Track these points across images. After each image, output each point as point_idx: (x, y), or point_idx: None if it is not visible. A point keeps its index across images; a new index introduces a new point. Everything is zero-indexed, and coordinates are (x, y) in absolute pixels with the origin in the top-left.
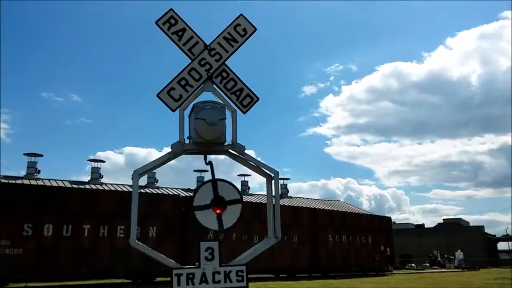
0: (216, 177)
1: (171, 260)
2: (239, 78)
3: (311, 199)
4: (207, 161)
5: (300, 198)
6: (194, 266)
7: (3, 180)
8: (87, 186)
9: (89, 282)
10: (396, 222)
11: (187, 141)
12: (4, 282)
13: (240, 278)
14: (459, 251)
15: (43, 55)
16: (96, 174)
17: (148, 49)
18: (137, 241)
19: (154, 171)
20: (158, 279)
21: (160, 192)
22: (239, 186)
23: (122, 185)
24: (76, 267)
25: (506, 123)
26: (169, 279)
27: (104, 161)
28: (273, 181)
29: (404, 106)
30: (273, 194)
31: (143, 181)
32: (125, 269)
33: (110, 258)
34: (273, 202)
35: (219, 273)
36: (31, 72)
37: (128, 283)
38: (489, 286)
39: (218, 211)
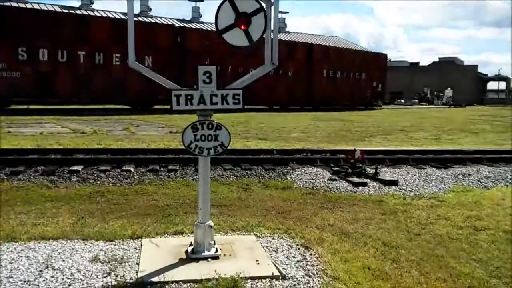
0: None
1: (170, 82)
2: None
3: (308, 34)
4: None
5: (297, 33)
6: (192, 88)
7: None
8: (79, 12)
9: (88, 107)
10: (392, 60)
11: None
12: (6, 103)
13: (236, 101)
14: (448, 88)
15: None
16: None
17: None
18: (136, 62)
19: None
20: (156, 106)
21: (154, 21)
22: None
23: (115, 12)
24: (74, 92)
25: None
26: (166, 107)
27: None
28: (272, 7)
29: None
30: (272, 20)
31: (136, 9)
32: (124, 96)
33: (107, 85)
34: (272, 28)
35: (216, 95)
36: None
37: (127, 109)
38: (470, 122)
39: (244, 28)
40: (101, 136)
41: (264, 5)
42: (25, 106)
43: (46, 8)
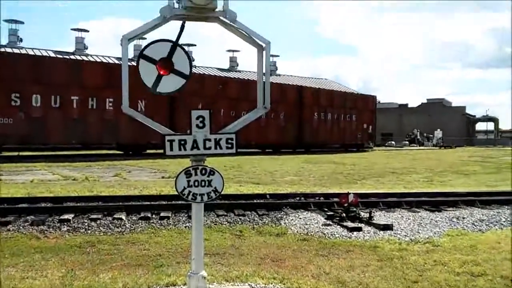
0: (180, 43)
1: (163, 127)
2: None
3: (298, 77)
4: (182, 25)
5: (288, 76)
6: (185, 133)
7: None
8: (73, 57)
9: (80, 152)
10: (381, 102)
11: (176, 6)
12: None
13: (230, 146)
14: (438, 130)
15: None
16: (80, 45)
17: None
18: (129, 107)
19: (140, 43)
20: (148, 151)
21: None
22: (227, 62)
23: (108, 57)
24: (66, 138)
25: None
26: (158, 151)
27: (88, 31)
28: (264, 52)
29: None
30: (264, 65)
31: (130, 53)
32: (115, 141)
33: (100, 130)
34: (264, 72)
35: (210, 140)
36: None
37: (119, 154)
38: (461, 163)
39: (161, 72)
40: (93, 183)
41: (189, 75)
42: (16, 153)
43: (40, 54)
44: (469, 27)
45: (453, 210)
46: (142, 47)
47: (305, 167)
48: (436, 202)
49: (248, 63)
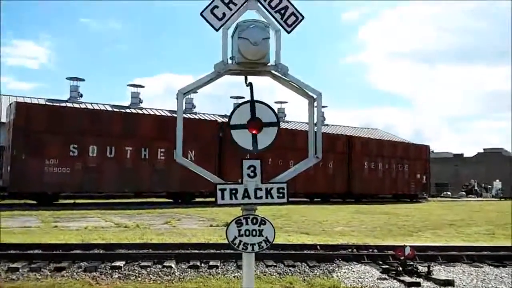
0: (256, 99)
1: (215, 176)
2: None
3: (347, 126)
4: (247, 83)
5: (337, 125)
6: (236, 182)
7: (48, 103)
8: (128, 110)
9: (132, 200)
10: (435, 151)
11: (230, 62)
12: (54, 198)
13: (281, 195)
14: (497, 180)
15: None
16: (136, 99)
17: None
18: (182, 157)
19: (192, 96)
20: (197, 199)
21: (197, 117)
22: None
23: (161, 109)
24: (119, 186)
25: None
26: (206, 199)
27: (143, 86)
28: (315, 103)
29: (449, 32)
30: (315, 115)
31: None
32: (166, 189)
33: (151, 179)
34: (315, 123)
35: (260, 189)
36: None
37: (169, 202)
38: None
39: (254, 132)
40: (143, 230)
41: (278, 120)
42: (72, 201)
43: (98, 108)
44: None
45: None
46: (228, 117)
47: (356, 217)
48: (500, 257)
49: (294, 112)
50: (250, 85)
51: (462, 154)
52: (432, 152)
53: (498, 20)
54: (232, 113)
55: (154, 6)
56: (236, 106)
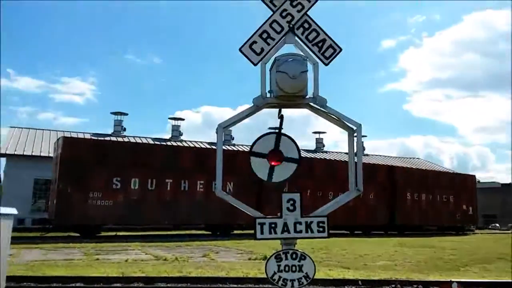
0: (283, 132)
1: (255, 210)
2: (321, 29)
3: (388, 156)
4: (279, 115)
5: (377, 155)
6: (276, 216)
7: (93, 137)
8: (169, 143)
9: (171, 232)
10: (481, 181)
11: (268, 95)
12: (96, 231)
13: (321, 229)
14: None
15: (125, 20)
16: (176, 132)
17: (226, 5)
18: (222, 191)
19: (230, 128)
20: (235, 231)
21: (236, 149)
22: (313, 144)
23: (200, 142)
24: (159, 219)
25: None
26: (244, 232)
27: (183, 119)
28: (355, 134)
29: (492, 58)
30: (355, 147)
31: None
32: (204, 221)
33: (190, 211)
34: (355, 154)
35: (300, 223)
36: (115, 35)
37: (207, 234)
38: None
39: (273, 163)
40: (182, 263)
41: (299, 158)
42: (114, 233)
43: (140, 141)
44: None
45: None
46: (252, 143)
47: (399, 250)
48: None
49: (333, 142)
50: (281, 117)
51: (510, 184)
52: (478, 182)
53: None
54: (256, 140)
55: (192, 39)
56: (262, 135)
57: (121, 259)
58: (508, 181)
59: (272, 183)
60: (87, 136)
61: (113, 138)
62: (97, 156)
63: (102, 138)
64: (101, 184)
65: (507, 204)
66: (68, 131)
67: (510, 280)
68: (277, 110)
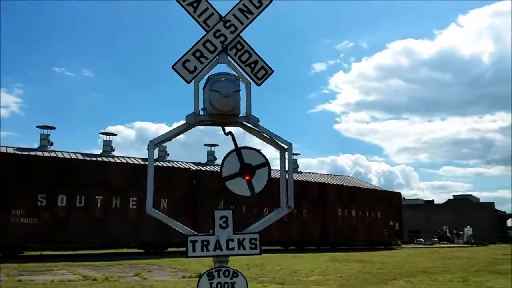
0: (239, 145)
1: (186, 227)
2: (253, 51)
3: (320, 174)
4: (226, 132)
5: (309, 173)
6: (208, 234)
7: (17, 152)
8: (99, 159)
9: (101, 251)
10: (406, 198)
11: (201, 113)
12: (19, 250)
13: (253, 246)
14: (468, 227)
15: (54, 31)
16: (108, 147)
17: (161, 22)
18: (153, 209)
19: (165, 144)
20: (169, 249)
21: (171, 165)
22: None
23: (133, 158)
24: (89, 237)
25: None
26: (179, 249)
27: (115, 134)
28: (286, 153)
29: (414, 84)
30: (286, 165)
31: (155, 154)
32: (137, 239)
33: (122, 229)
34: (286, 173)
35: (232, 240)
36: (43, 47)
37: (140, 252)
38: (496, 261)
39: (247, 178)
40: (113, 283)
41: (267, 160)
42: (39, 252)
43: (69, 156)
44: (485, 125)
45: None
46: (219, 170)
47: (331, 265)
48: None
49: (269, 159)
50: (230, 133)
51: (432, 201)
52: (404, 199)
53: (460, 71)
54: (222, 165)
55: (128, 54)
56: (224, 157)
57: (47, 279)
58: (430, 199)
59: (257, 194)
60: (10, 151)
61: (39, 153)
62: (20, 171)
63: (27, 153)
64: (25, 201)
65: (429, 220)
66: None
67: None
68: (211, 127)
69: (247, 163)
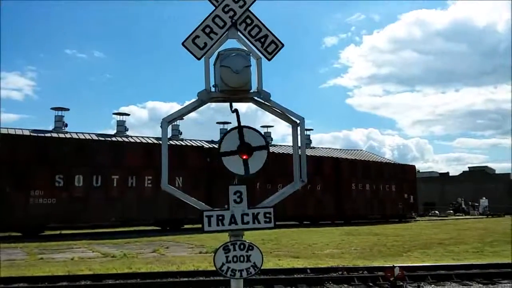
0: (242, 124)
1: (202, 203)
2: (263, 25)
3: (333, 149)
4: (232, 109)
5: (323, 148)
6: (223, 209)
7: (33, 134)
8: (114, 139)
9: (119, 229)
10: (421, 171)
11: (213, 89)
12: (39, 230)
13: (267, 220)
14: (484, 198)
15: (64, 13)
16: (121, 127)
17: (170, 1)
18: (168, 185)
19: (178, 123)
20: (186, 226)
21: (184, 143)
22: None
23: (147, 137)
24: (106, 216)
25: None
26: (195, 226)
27: (129, 114)
28: (298, 128)
29: (428, 55)
30: (299, 139)
31: (168, 133)
32: (153, 217)
33: (138, 207)
34: (299, 147)
35: (247, 214)
36: (54, 29)
37: (157, 230)
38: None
39: (244, 157)
40: (131, 260)
41: (267, 144)
42: (58, 231)
43: (84, 137)
44: (500, 95)
45: (508, 283)
46: (216, 146)
47: (345, 239)
48: (489, 274)
49: (282, 136)
50: (236, 111)
51: (447, 173)
52: (418, 172)
53: (475, 41)
54: (221, 140)
55: (138, 34)
56: (225, 133)
57: (67, 257)
58: (445, 171)
59: (251, 175)
60: (26, 133)
61: (54, 135)
62: (38, 153)
63: (42, 135)
64: (43, 182)
65: (444, 192)
66: (5, 128)
67: (449, 263)
68: (223, 104)
69: (246, 143)
